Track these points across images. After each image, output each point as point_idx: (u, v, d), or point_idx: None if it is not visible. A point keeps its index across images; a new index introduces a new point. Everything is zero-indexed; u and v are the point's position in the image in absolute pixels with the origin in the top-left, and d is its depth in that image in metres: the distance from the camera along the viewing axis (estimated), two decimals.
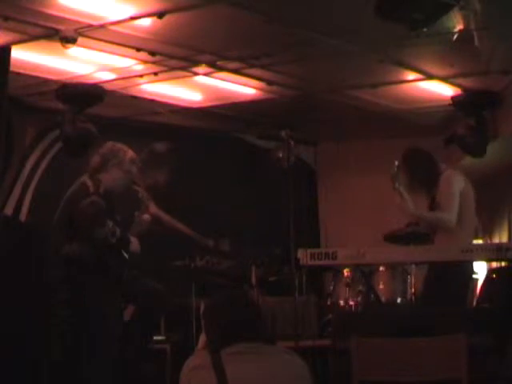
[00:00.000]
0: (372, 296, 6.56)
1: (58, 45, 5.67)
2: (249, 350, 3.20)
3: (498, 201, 8.62)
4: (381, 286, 6.57)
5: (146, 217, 5.82)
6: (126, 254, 5.62)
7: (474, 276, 7.28)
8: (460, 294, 5.85)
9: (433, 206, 6.03)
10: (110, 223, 5.37)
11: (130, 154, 5.71)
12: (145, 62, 6.41)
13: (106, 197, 5.52)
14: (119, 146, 5.72)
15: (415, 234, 6.62)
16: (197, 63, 6.56)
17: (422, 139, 6.99)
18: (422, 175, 6.06)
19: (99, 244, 5.37)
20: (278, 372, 3.18)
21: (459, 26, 5.45)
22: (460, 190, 5.94)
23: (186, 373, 3.22)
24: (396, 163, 6.06)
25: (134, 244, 5.63)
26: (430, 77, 6.93)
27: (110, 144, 5.74)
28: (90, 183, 5.51)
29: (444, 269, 5.67)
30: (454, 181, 5.97)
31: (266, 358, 3.21)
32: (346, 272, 6.74)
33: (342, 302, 6.75)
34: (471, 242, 6.22)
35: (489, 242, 8.65)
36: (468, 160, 7.46)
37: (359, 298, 6.66)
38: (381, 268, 6.56)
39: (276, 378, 3.16)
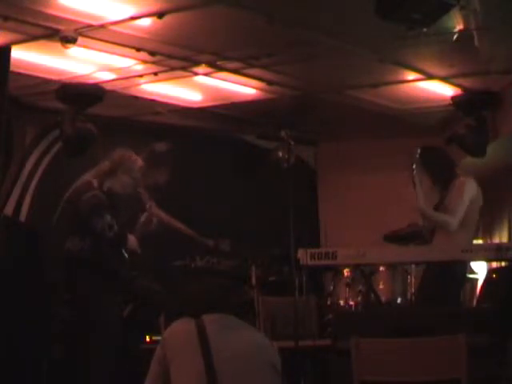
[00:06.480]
0: (372, 296, 6.56)
1: (57, 45, 5.68)
2: (224, 321, 3.28)
3: (498, 201, 8.61)
4: (381, 286, 6.57)
5: (154, 219, 5.94)
6: (125, 253, 5.66)
7: (473, 276, 7.27)
8: (453, 294, 5.85)
9: (440, 206, 6.00)
10: (109, 217, 5.53)
11: (139, 162, 5.87)
12: (145, 62, 6.41)
13: (108, 195, 5.68)
14: (129, 153, 5.87)
15: (415, 234, 6.61)
16: (197, 63, 6.56)
17: (422, 139, 6.97)
18: (438, 173, 6.01)
19: (97, 236, 5.48)
20: (254, 347, 3.24)
21: (459, 26, 5.45)
22: (470, 198, 5.88)
23: (167, 333, 3.25)
24: (419, 150, 6.04)
25: (132, 242, 5.69)
26: (429, 77, 6.92)
27: (120, 151, 5.87)
28: (94, 181, 5.68)
29: (438, 268, 5.67)
30: (466, 189, 5.87)
31: (242, 330, 3.29)
32: (346, 272, 6.73)
33: (341, 302, 6.75)
34: (471, 243, 6.21)
35: (489, 241, 8.65)
36: (468, 160, 7.46)
37: (359, 298, 6.67)
38: (381, 268, 6.56)
39: (252, 349, 3.21)
